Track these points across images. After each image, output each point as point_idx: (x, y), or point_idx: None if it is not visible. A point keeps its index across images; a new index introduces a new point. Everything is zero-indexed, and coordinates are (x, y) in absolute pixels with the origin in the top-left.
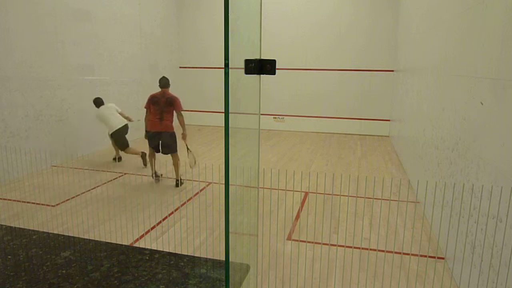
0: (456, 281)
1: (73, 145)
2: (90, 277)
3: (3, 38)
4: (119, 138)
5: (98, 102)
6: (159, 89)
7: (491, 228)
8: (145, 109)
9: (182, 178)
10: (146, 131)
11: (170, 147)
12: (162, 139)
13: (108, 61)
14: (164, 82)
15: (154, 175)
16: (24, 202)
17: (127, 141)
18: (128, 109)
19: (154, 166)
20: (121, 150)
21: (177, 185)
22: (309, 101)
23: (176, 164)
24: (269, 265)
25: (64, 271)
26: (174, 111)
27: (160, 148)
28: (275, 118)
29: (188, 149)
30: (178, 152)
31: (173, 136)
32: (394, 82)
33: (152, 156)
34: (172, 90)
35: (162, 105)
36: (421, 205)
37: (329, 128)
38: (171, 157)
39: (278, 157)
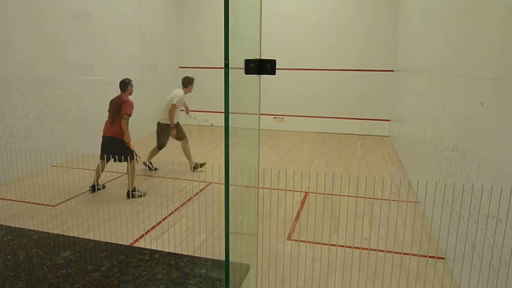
0: (456, 281)
1: (73, 145)
2: (90, 277)
3: (3, 38)
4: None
5: (187, 81)
6: (158, 90)
7: (491, 228)
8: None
9: (138, 190)
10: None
11: (120, 155)
12: (111, 145)
13: (108, 61)
14: (120, 86)
15: (92, 186)
16: (24, 202)
17: (160, 141)
18: None
19: (97, 176)
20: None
21: (128, 197)
22: (309, 101)
23: (129, 172)
24: (269, 265)
25: (64, 271)
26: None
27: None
28: (275, 118)
29: (136, 154)
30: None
31: (122, 142)
32: (394, 82)
33: (102, 164)
34: (172, 90)
35: (114, 110)
36: (421, 205)
37: (329, 128)
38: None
39: (278, 157)
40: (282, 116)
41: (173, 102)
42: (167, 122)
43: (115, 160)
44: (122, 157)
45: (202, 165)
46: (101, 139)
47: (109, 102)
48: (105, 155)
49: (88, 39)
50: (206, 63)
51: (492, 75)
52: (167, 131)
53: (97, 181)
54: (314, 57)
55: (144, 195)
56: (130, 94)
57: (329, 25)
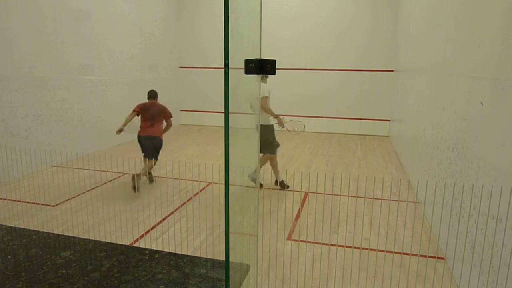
0: (456, 281)
1: (73, 145)
2: (90, 277)
3: (3, 38)
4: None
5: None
6: (158, 90)
7: (491, 228)
8: (134, 111)
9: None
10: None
11: (157, 151)
12: (154, 143)
13: (108, 61)
14: (153, 94)
15: (142, 177)
16: (24, 202)
17: (269, 146)
18: (129, 109)
19: (143, 172)
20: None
21: (135, 182)
22: (309, 101)
23: (149, 165)
24: (269, 265)
25: (64, 271)
26: (164, 119)
27: (150, 152)
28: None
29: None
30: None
31: (161, 141)
32: (394, 82)
33: (145, 161)
34: (172, 90)
35: (154, 114)
36: (421, 205)
37: (329, 128)
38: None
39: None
40: (282, 116)
41: (265, 95)
42: (264, 123)
43: (151, 158)
44: (156, 153)
45: (282, 184)
46: (101, 138)
47: (140, 106)
48: (146, 150)
49: (88, 39)
50: (206, 63)
51: (492, 75)
52: (268, 132)
53: (142, 174)
54: (314, 57)
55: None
56: None
57: (329, 25)
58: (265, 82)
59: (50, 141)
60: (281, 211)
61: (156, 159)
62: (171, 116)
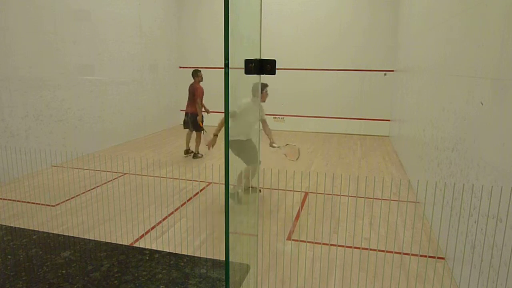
0: (456, 281)
1: (73, 145)
2: (90, 277)
3: (3, 38)
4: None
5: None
6: (158, 90)
7: (491, 228)
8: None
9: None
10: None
11: (193, 126)
12: (190, 119)
13: (108, 61)
14: (192, 74)
15: (186, 150)
16: (24, 202)
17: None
18: (129, 109)
19: (187, 142)
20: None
21: (193, 157)
22: (309, 101)
23: (197, 138)
24: (269, 265)
25: (64, 271)
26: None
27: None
28: (275, 118)
29: (204, 129)
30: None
31: (195, 117)
32: (394, 82)
33: (188, 134)
34: (172, 90)
35: (189, 95)
36: (421, 205)
37: (329, 128)
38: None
39: (278, 157)
40: (282, 116)
41: (264, 119)
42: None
43: (191, 131)
44: (194, 127)
45: (194, 154)
46: (101, 138)
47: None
48: (189, 126)
49: (87, 39)
50: (206, 63)
51: (492, 75)
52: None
53: (188, 146)
54: (314, 57)
55: (202, 156)
56: (201, 81)
57: (329, 25)
58: (253, 100)
59: (50, 141)
60: (281, 211)
61: (197, 131)
62: (200, 97)
